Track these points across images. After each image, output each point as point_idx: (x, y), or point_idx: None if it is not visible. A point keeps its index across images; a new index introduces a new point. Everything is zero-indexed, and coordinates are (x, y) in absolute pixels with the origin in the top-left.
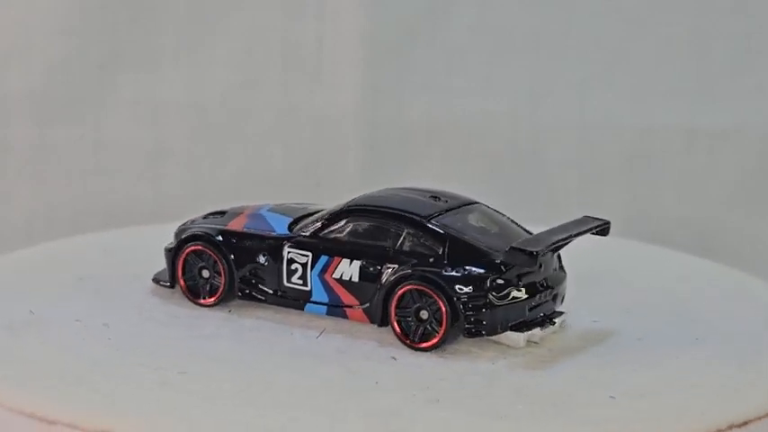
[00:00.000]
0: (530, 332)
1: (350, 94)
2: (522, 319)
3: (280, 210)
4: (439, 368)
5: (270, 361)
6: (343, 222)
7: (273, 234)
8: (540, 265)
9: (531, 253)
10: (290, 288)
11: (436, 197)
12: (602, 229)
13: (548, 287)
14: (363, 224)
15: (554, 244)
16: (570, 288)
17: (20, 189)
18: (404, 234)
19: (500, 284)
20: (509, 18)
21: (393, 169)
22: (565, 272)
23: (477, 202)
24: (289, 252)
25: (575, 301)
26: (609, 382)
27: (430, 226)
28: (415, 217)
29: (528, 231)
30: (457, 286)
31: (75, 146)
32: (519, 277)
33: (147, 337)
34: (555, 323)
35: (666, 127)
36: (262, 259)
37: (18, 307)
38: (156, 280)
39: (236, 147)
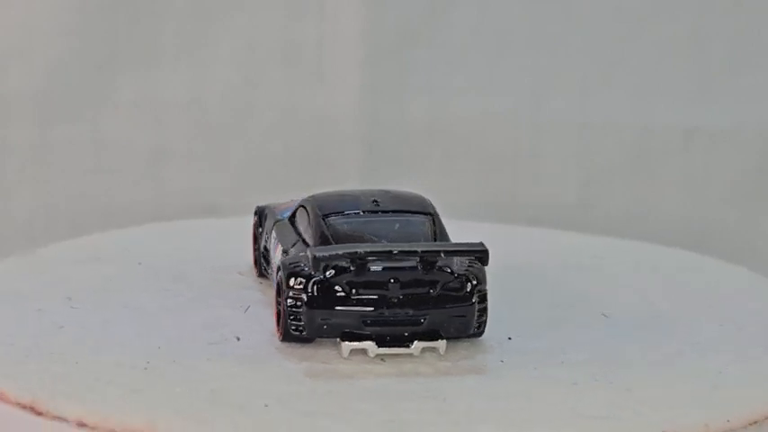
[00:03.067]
0: (357, 344)
1: (350, 94)
2: (356, 330)
3: None
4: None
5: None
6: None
7: None
8: (391, 281)
9: (315, 256)
10: None
11: (377, 201)
12: (480, 256)
13: (404, 306)
14: (303, 218)
15: (349, 255)
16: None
17: (20, 189)
18: (304, 227)
19: (323, 288)
20: (509, 18)
21: (393, 169)
22: (469, 301)
23: (421, 212)
24: None
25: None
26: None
27: (321, 221)
28: (318, 211)
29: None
30: (291, 282)
31: (75, 146)
32: (352, 285)
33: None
34: (408, 346)
35: (666, 127)
36: None
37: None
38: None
39: (236, 146)
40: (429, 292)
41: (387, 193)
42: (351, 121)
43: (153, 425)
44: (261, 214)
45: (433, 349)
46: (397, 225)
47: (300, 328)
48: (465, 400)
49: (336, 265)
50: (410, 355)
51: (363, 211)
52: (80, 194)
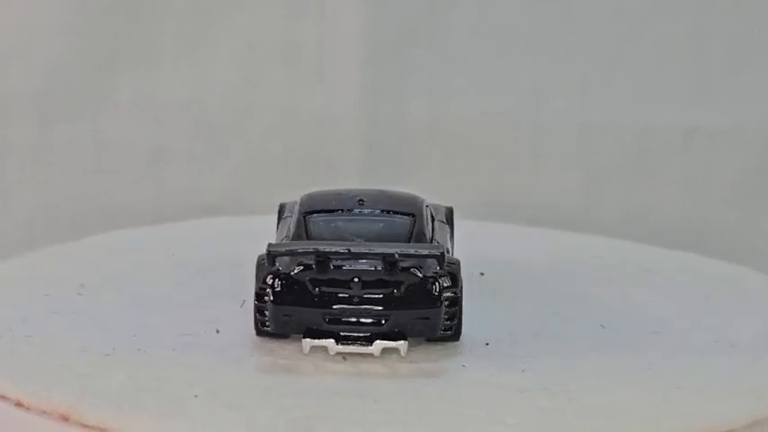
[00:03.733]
0: (317, 341)
1: (350, 94)
2: (318, 327)
3: None
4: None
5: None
6: None
7: None
8: (354, 280)
9: (267, 251)
10: None
11: (362, 201)
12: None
13: (365, 305)
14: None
15: (301, 252)
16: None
17: (20, 189)
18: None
19: (287, 284)
20: (509, 18)
21: (393, 169)
22: (435, 303)
23: (403, 213)
24: None
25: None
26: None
27: (301, 219)
28: (301, 209)
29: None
30: (262, 277)
31: (75, 146)
32: (314, 283)
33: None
34: (369, 345)
35: (666, 127)
36: None
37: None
38: None
39: (236, 146)
40: (393, 292)
41: (382, 192)
42: (351, 121)
43: (73, 410)
44: (280, 211)
45: (398, 350)
46: (380, 225)
47: (267, 322)
48: (396, 402)
49: (302, 262)
50: (372, 354)
51: (346, 210)
52: (80, 194)
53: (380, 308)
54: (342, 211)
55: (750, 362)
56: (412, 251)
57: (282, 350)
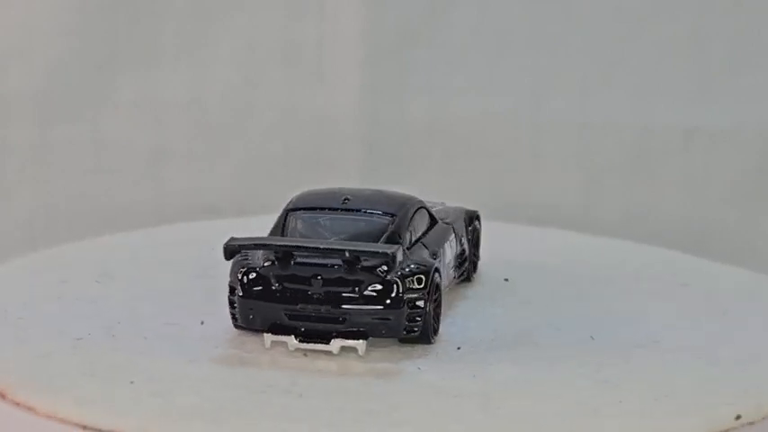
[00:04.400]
0: (277, 337)
1: (350, 94)
2: (279, 322)
3: None
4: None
5: None
6: None
7: None
8: (314, 278)
9: (225, 246)
10: None
11: (348, 198)
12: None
13: (324, 303)
14: None
15: (253, 246)
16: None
17: (20, 189)
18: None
19: (253, 279)
20: (509, 18)
21: (393, 169)
22: (396, 304)
23: (384, 213)
24: None
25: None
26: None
27: (283, 215)
28: (288, 206)
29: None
30: (233, 272)
31: (75, 146)
32: (278, 279)
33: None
34: (327, 343)
35: (666, 127)
36: None
37: None
38: None
39: (236, 146)
40: (353, 291)
41: (376, 193)
42: (351, 121)
43: (10, 388)
44: None
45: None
46: (357, 224)
47: (236, 316)
48: (320, 399)
49: (269, 258)
50: (331, 352)
51: (329, 209)
52: (80, 194)
53: (340, 306)
54: (325, 209)
55: (746, 367)
56: (363, 249)
57: (254, 344)
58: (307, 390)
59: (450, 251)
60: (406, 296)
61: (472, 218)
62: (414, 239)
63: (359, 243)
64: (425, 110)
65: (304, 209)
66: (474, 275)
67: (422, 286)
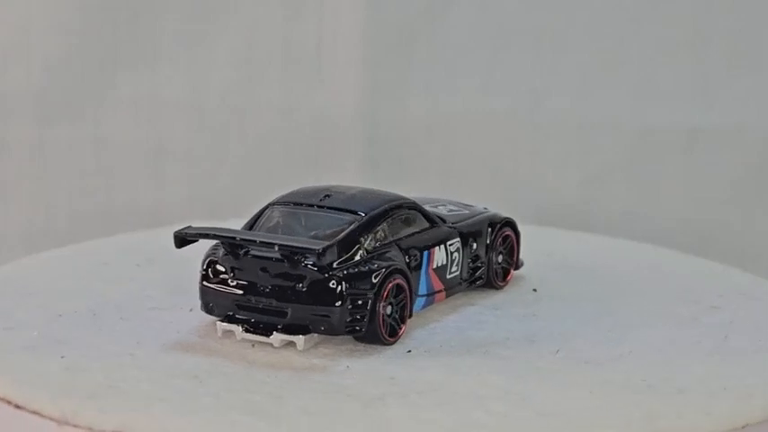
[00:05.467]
0: (227, 326)
1: (350, 93)
2: (233, 312)
3: None
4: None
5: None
6: None
7: None
8: (262, 271)
9: (174, 234)
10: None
11: (329, 194)
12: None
13: (269, 296)
14: None
15: (197, 235)
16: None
17: (20, 189)
18: None
19: (213, 270)
20: (509, 17)
21: (393, 168)
22: (335, 301)
23: (350, 211)
24: None
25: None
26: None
27: (264, 209)
28: (273, 199)
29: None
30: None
31: (75, 145)
32: (233, 270)
33: None
34: (268, 335)
35: (667, 127)
36: None
37: None
38: None
39: (236, 146)
40: (295, 286)
41: (365, 192)
42: (350, 120)
43: None
44: None
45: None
46: (323, 221)
47: (201, 304)
48: (219, 386)
49: (225, 248)
50: (285, 344)
51: (306, 205)
52: (80, 194)
53: (281, 300)
54: (302, 204)
55: (748, 364)
56: (291, 243)
57: (215, 332)
58: (212, 377)
59: (444, 255)
60: (348, 294)
61: (497, 224)
62: (389, 240)
63: (292, 238)
64: (425, 109)
65: (283, 203)
66: (500, 283)
67: (369, 287)
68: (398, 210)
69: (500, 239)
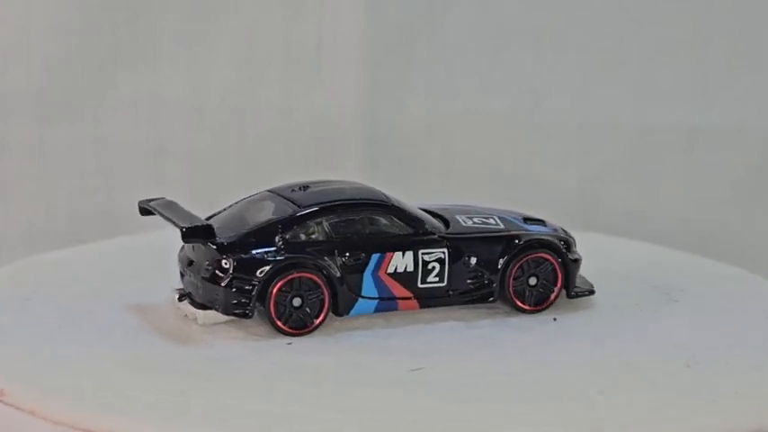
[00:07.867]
0: (175, 297)
1: (350, 93)
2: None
3: None
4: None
5: None
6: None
7: None
8: (192, 249)
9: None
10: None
11: (306, 187)
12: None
13: (193, 272)
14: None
15: (151, 207)
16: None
17: (20, 189)
18: None
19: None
20: (509, 18)
21: (393, 168)
22: (219, 282)
23: (304, 206)
24: None
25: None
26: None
27: (247, 197)
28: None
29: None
30: None
31: (75, 145)
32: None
33: None
34: (180, 300)
35: (667, 127)
36: None
37: None
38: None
39: (236, 146)
40: (205, 267)
41: (340, 190)
42: (351, 121)
43: None
44: None
45: (234, 322)
46: (277, 210)
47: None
48: (154, 359)
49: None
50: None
51: (279, 195)
52: (80, 194)
53: (196, 276)
54: (275, 194)
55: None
56: (172, 219)
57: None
58: (147, 351)
59: (410, 262)
60: (235, 278)
61: (520, 245)
62: (329, 238)
63: (186, 216)
64: (425, 109)
65: (269, 191)
66: (525, 307)
67: (259, 274)
68: (345, 209)
69: (527, 261)
